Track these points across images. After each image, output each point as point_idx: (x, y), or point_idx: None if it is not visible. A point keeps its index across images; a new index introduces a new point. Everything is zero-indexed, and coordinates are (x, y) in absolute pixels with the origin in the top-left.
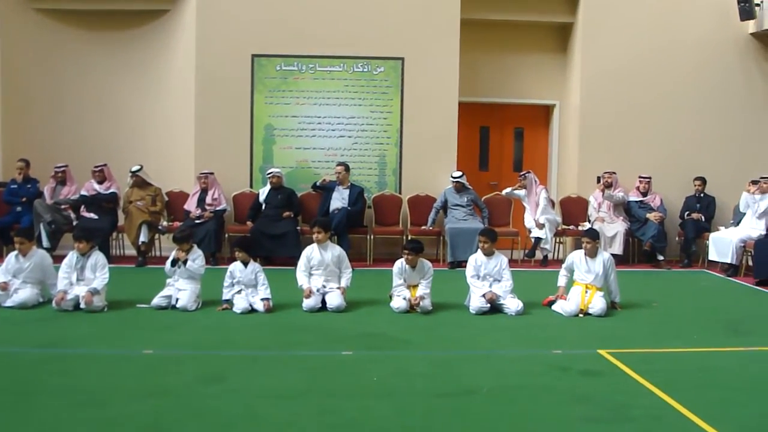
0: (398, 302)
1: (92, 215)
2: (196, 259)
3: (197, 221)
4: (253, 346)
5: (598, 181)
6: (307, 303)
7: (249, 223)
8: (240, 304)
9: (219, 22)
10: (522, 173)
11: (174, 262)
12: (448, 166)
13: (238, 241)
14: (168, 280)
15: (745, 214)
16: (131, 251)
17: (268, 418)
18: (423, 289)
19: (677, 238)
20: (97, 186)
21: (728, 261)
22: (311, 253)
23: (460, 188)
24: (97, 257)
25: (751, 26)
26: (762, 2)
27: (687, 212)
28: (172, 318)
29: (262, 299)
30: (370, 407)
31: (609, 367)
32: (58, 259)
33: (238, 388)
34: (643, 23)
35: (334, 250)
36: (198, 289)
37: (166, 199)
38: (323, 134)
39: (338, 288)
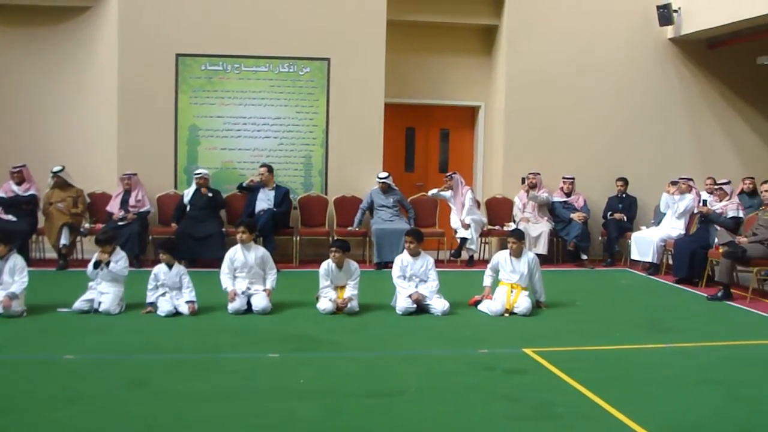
0: (325, 303)
1: (10, 217)
2: (119, 261)
3: (120, 223)
4: (177, 350)
5: (523, 181)
6: (233, 306)
7: (173, 224)
8: (164, 307)
9: (142, 20)
10: (448, 174)
11: (96, 265)
12: (374, 167)
13: (163, 243)
14: (90, 284)
15: (665, 214)
16: (52, 254)
17: (193, 421)
18: (350, 290)
19: (600, 238)
20: (15, 187)
21: (649, 260)
22: (234, 254)
23: (386, 189)
24: (16, 260)
25: (669, 31)
26: (680, 8)
27: (610, 212)
28: (94, 322)
29: (187, 302)
30: (298, 409)
31: (534, 366)
32: None
33: (163, 392)
34: (566, 27)
35: (258, 252)
36: (121, 292)
37: (88, 200)
38: (249, 135)
39: (264, 290)
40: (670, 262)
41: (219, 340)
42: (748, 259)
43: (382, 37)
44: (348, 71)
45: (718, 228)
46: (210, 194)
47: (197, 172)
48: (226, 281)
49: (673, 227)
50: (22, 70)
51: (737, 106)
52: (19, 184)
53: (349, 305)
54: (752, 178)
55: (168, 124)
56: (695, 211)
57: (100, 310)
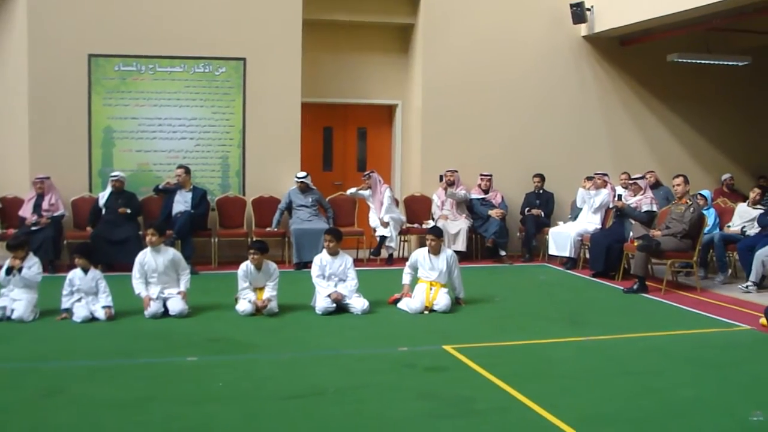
0: (244, 305)
1: None
2: (32, 266)
3: (33, 228)
4: (94, 356)
5: (441, 179)
6: (149, 311)
7: (89, 228)
8: (80, 313)
9: (53, 20)
10: (366, 173)
11: (8, 271)
12: (292, 166)
13: (78, 248)
14: (2, 290)
15: (581, 209)
16: None
17: (111, 429)
18: (269, 291)
19: (518, 234)
20: None
21: (567, 255)
22: (144, 258)
23: (304, 189)
24: None
25: (583, 29)
26: (593, 7)
27: (527, 208)
28: (7, 330)
29: (104, 307)
30: (217, 413)
31: (454, 363)
32: None
33: (79, 399)
34: (481, 26)
35: (167, 254)
36: (35, 298)
37: (0, 205)
38: (165, 136)
39: (178, 292)
40: (587, 256)
41: (136, 345)
42: (662, 252)
43: (298, 37)
44: (264, 71)
45: (633, 222)
46: (128, 211)
47: (112, 174)
48: (138, 286)
49: (590, 222)
50: None
51: (649, 102)
52: None
53: (268, 306)
54: (653, 171)
55: (81, 126)
56: (610, 206)
57: (13, 317)
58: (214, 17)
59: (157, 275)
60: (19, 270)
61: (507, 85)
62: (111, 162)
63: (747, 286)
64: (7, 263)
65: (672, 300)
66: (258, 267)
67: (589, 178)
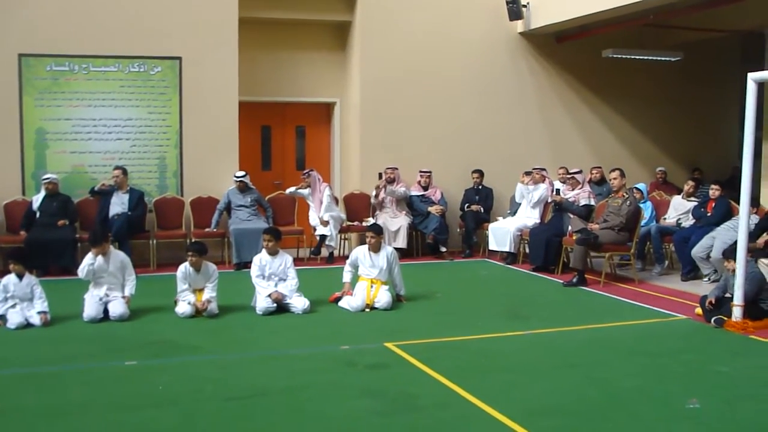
0: (183, 307)
1: None
2: None
3: None
4: (29, 363)
5: (380, 177)
6: (88, 314)
7: (23, 232)
8: (14, 319)
9: None
10: (305, 171)
11: None
12: (230, 166)
13: (13, 253)
14: None
15: (520, 204)
16: None
17: None
18: (209, 293)
19: (458, 230)
20: None
21: (507, 249)
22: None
23: (243, 188)
24: None
25: (519, 26)
26: (528, 3)
27: (467, 204)
28: None
29: (39, 312)
30: (156, 417)
31: (396, 359)
32: None
33: (14, 408)
34: (418, 22)
35: (117, 257)
36: None
37: None
38: (100, 137)
39: (122, 297)
40: (527, 250)
41: (74, 350)
42: (600, 245)
43: (234, 35)
44: (200, 70)
45: (572, 216)
46: (67, 223)
47: (45, 177)
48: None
49: (529, 216)
50: None
51: (585, 97)
52: None
53: (208, 308)
54: (599, 167)
55: (13, 127)
56: (549, 200)
57: None
58: (148, 15)
59: (105, 276)
60: None
61: (445, 81)
62: (44, 164)
63: (708, 280)
64: None
65: (611, 292)
66: (197, 268)
67: (527, 173)
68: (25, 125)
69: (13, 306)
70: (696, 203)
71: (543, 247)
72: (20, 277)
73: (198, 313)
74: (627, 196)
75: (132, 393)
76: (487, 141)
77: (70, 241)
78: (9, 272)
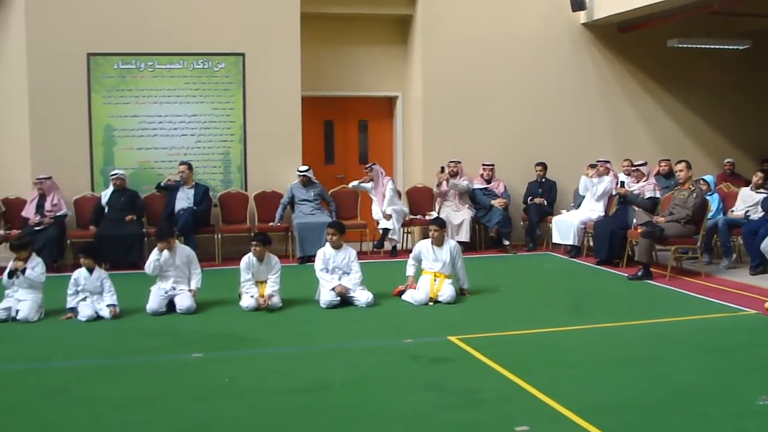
0: (247, 301)
1: None
2: (36, 267)
3: (37, 228)
4: (99, 355)
5: (443, 170)
6: (151, 306)
7: (92, 227)
8: (85, 312)
9: (50, 20)
10: (368, 165)
11: (11, 274)
12: (293, 161)
13: (83, 247)
14: (7, 291)
15: (584, 197)
16: None
17: (116, 427)
18: (272, 286)
19: (522, 223)
20: None
21: (570, 243)
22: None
23: (306, 182)
24: None
25: (582, 17)
26: None
27: (530, 197)
28: (12, 330)
29: (108, 305)
30: (222, 408)
31: (459, 353)
32: None
33: (84, 399)
34: (480, 15)
35: (183, 251)
36: (40, 298)
37: (3, 208)
38: (165, 133)
39: (189, 290)
40: (591, 244)
41: (142, 343)
42: (666, 238)
43: (296, 31)
44: (263, 66)
45: (636, 208)
46: (134, 217)
47: (113, 173)
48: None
49: (593, 209)
50: None
51: (649, 87)
52: None
53: (272, 301)
54: (668, 159)
55: (82, 125)
56: (613, 193)
57: (18, 318)
58: (212, 13)
59: (171, 270)
60: (23, 271)
61: (507, 74)
62: (112, 160)
63: None
64: (9, 266)
65: (677, 286)
66: (260, 258)
67: (591, 166)
68: (93, 123)
69: (84, 299)
70: (765, 195)
71: (607, 240)
72: (90, 270)
73: (261, 306)
74: (693, 188)
75: (198, 385)
76: (550, 133)
77: (137, 235)
78: (79, 266)
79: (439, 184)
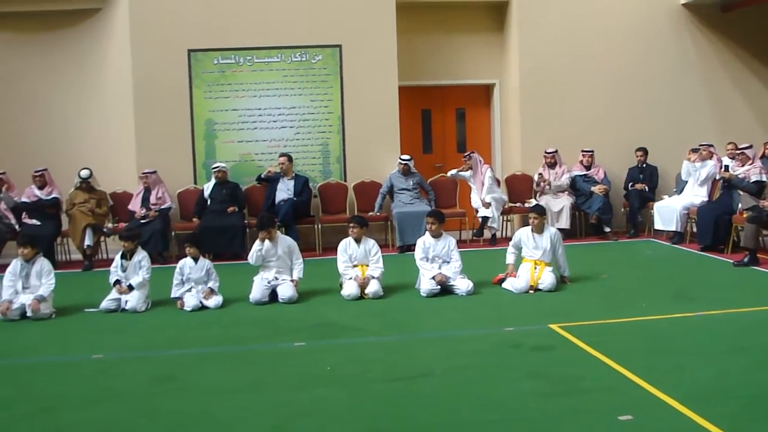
0: (349, 289)
1: (35, 221)
2: (141, 260)
3: (143, 221)
4: (204, 344)
5: (537, 184)
6: (254, 296)
7: (195, 219)
8: (190, 302)
9: (152, 18)
10: (466, 154)
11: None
12: (391, 150)
13: (189, 237)
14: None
15: (687, 182)
16: (77, 255)
17: (221, 414)
18: (373, 270)
19: (622, 209)
20: (38, 191)
21: (673, 229)
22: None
23: (406, 171)
24: (42, 263)
25: None
26: None
27: (631, 183)
28: (121, 321)
29: (211, 289)
30: (325, 396)
31: (561, 341)
32: (0, 268)
33: (190, 386)
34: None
35: (285, 242)
36: (147, 289)
37: (111, 203)
38: (265, 126)
39: (291, 280)
40: (694, 230)
41: (245, 332)
42: None
43: (392, 20)
44: (360, 57)
45: (742, 193)
46: (236, 208)
47: (215, 165)
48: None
49: (696, 195)
50: (38, 76)
51: (754, 68)
52: (41, 187)
53: (373, 289)
54: None
55: (184, 119)
56: (717, 177)
57: (126, 308)
58: (308, 5)
59: (274, 260)
60: (130, 287)
61: (605, 58)
62: (214, 154)
63: None
64: (117, 256)
65: None
66: (357, 240)
67: (694, 150)
68: (195, 117)
69: (189, 289)
70: None
71: (711, 226)
72: (195, 260)
73: (362, 295)
74: None
75: (300, 373)
76: (651, 118)
77: (239, 227)
78: (184, 256)
79: (538, 183)
